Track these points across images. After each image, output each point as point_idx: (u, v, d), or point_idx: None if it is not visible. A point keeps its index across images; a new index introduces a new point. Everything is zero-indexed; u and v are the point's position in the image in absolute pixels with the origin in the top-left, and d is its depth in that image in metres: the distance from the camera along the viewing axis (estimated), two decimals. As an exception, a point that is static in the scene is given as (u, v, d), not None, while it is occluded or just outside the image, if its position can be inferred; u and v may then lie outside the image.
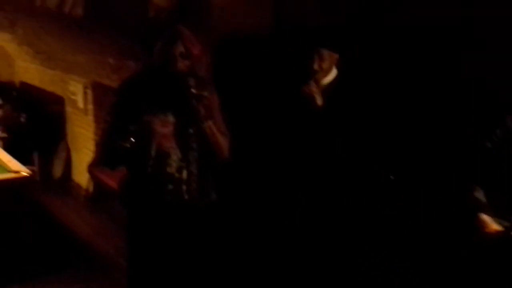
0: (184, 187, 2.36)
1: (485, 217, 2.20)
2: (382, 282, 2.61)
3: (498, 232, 2.15)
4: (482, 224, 2.19)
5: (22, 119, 6.01)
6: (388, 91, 2.59)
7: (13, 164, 4.14)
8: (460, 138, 2.43)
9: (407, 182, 2.62)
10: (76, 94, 5.60)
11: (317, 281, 2.77)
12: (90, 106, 5.40)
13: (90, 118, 5.44)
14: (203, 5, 3.37)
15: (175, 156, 2.35)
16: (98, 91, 5.29)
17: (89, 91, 5.37)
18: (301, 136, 2.71)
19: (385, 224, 2.62)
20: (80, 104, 5.54)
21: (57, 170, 6.03)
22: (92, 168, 5.27)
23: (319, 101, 2.64)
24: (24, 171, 3.97)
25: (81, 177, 5.76)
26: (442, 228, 2.45)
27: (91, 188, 5.38)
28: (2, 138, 5.65)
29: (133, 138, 2.28)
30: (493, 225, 2.17)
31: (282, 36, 2.92)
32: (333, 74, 2.68)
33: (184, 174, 2.36)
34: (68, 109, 5.92)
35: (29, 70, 6.66)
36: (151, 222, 2.42)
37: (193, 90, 2.26)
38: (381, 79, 2.60)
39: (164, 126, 2.32)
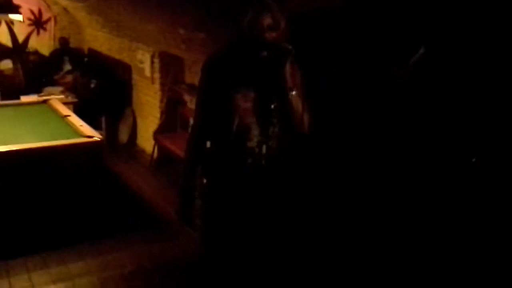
0: (263, 161, 2.39)
1: None
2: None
3: None
4: None
5: (92, 85, 6.23)
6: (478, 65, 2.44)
7: (85, 128, 4.33)
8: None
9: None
10: (144, 62, 5.75)
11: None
12: (157, 75, 5.55)
13: (156, 86, 5.60)
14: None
15: (255, 131, 2.37)
16: (165, 60, 5.42)
17: (156, 60, 5.51)
18: (389, 123, 2.66)
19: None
20: (147, 73, 5.70)
21: (123, 135, 6.25)
22: (157, 134, 5.47)
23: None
24: (96, 136, 4.14)
25: (146, 143, 5.96)
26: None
27: (155, 154, 5.56)
28: (73, 103, 5.88)
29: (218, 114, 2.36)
30: None
31: (360, 8, 2.82)
32: (420, 51, 2.55)
33: (264, 149, 2.38)
34: (135, 76, 6.09)
35: (98, 38, 6.87)
36: (230, 193, 2.48)
37: (287, 57, 2.26)
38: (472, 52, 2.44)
39: (246, 101, 2.34)
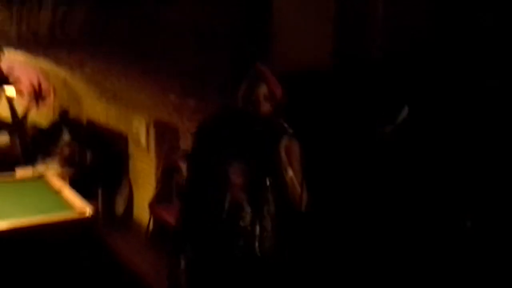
0: (256, 244, 2.19)
1: None
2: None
3: None
4: None
5: (88, 156, 6.16)
6: (465, 125, 2.36)
7: (79, 203, 4.22)
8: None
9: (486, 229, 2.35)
10: (139, 131, 5.69)
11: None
12: (152, 143, 5.47)
13: (152, 154, 5.50)
14: (263, 41, 3.29)
15: (248, 208, 2.20)
16: (161, 129, 5.35)
17: (152, 129, 5.44)
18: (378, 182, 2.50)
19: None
20: (143, 141, 5.61)
21: (120, 207, 6.10)
22: (152, 205, 5.30)
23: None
24: (88, 211, 4.03)
25: (142, 214, 5.78)
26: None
27: (151, 225, 5.37)
28: (69, 175, 5.79)
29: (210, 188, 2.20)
30: None
31: (345, 69, 2.76)
32: (405, 111, 2.49)
33: (257, 229, 2.20)
34: (131, 145, 6.02)
35: (95, 108, 6.87)
36: (217, 276, 2.26)
37: (282, 135, 2.15)
38: (457, 112, 2.37)
39: (239, 176, 2.19)
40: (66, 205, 4.25)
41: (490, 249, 2.31)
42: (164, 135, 5.36)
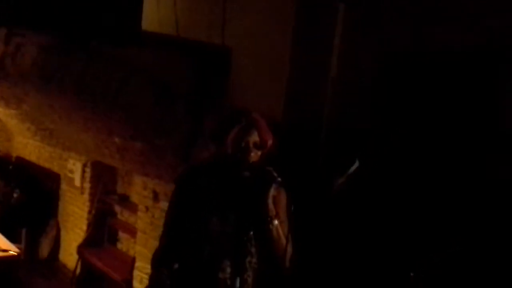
0: None
1: None
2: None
3: None
4: None
5: (15, 195, 5.91)
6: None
7: (1, 241, 4.05)
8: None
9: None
10: (74, 172, 5.56)
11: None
12: (87, 184, 5.36)
13: (85, 196, 5.38)
14: (218, 95, 3.46)
15: (229, 260, 2.10)
16: (97, 170, 5.28)
17: (88, 169, 5.35)
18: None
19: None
20: (77, 182, 5.49)
21: (44, 250, 5.83)
22: (81, 248, 5.12)
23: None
24: (11, 250, 3.89)
25: (69, 257, 5.56)
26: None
27: (78, 270, 5.17)
28: (-8, 213, 5.51)
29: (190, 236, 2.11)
30: None
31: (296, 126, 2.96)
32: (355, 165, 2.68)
33: (238, 282, 2.09)
34: (64, 186, 5.85)
35: (27, 146, 6.65)
36: None
37: (270, 183, 2.05)
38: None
39: (222, 226, 2.10)
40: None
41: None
42: (101, 177, 5.28)
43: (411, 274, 2.47)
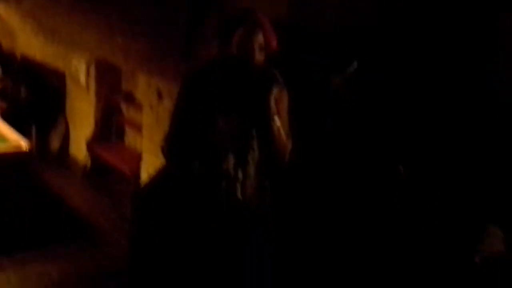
0: (238, 186, 2.23)
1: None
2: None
3: None
4: None
5: (22, 92, 6.02)
6: (403, 88, 2.62)
7: (13, 136, 4.17)
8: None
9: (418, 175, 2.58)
10: (79, 70, 5.62)
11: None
12: (92, 83, 5.44)
13: (91, 94, 5.48)
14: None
15: (233, 153, 2.22)
16: (102, 69, 5.33)
17: (92, 68, 5.40)
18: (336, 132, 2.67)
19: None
20: (82, 81, 5.57)
21: (55, 144, 6.06)
22: (91, 144, 5.34)
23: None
24: (23, 144, 4.01)
25: (79, 152, 5.80)
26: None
27: (88, 164, 5.42)
28: (1, 109, 5.65)
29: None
30: None
31: (299, 25, 2.91)
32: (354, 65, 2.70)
33: (240, 174, 2.23)
34: (69, 84, 5.93)
35: (31, 44, 6.65)
36: (199, 216, 2.30)
37: (273, 84, 2.15)
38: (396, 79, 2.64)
39: (228, 125, 2.20)
40: (0, 138, 4.16)
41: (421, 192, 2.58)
42: (106, 75, 5.34)
43: (400, 167, 2.64)
